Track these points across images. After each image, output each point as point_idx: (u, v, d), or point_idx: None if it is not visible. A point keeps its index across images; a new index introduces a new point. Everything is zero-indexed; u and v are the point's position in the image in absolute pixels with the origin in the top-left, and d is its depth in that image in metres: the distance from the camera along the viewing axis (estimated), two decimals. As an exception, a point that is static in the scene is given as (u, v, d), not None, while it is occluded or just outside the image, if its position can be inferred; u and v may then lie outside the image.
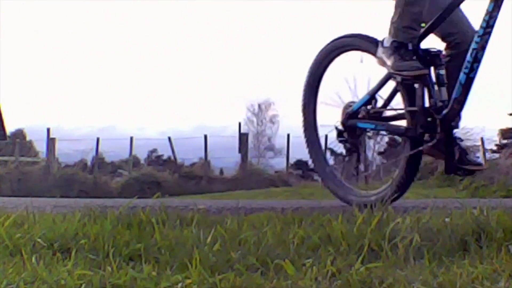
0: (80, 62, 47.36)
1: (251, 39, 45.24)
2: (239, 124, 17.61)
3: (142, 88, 47.99)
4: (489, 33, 2.29)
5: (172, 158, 15.54)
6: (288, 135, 16.57)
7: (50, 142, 13.28)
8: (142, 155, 26.81)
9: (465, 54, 2.33)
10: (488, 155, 14.11)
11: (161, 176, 13.35)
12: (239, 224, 2.04)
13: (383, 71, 2.52)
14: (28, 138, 23.88)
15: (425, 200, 3.04)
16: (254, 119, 35.81)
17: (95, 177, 13.05)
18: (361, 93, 2.65)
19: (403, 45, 2.37)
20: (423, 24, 2.44)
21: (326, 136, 2.87)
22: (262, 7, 46.07)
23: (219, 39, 46.36)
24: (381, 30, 2.50)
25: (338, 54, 2.71)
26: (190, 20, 44.27)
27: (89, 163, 15.89)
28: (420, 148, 2.42)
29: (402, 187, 2.54)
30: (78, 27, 48.73)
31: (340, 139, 2.67)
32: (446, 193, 7.87)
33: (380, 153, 36.51)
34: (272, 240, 1.75)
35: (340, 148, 2.73)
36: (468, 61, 2.31)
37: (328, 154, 3.22)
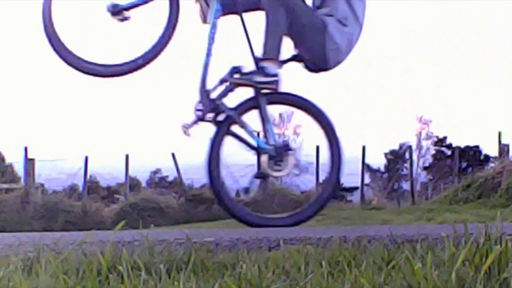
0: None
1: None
2: (257, 134, 16.31)
3: (138, 98, 47.72)
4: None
5: (178, 179, 15.03)
6: (318, 148, 15.85)
7: (29, 163, 12.82)
8: (143, 176, 26.48)
9: None
10: None
11: (164, 201, 12.86)
12: (261, 267, 1.52)
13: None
14: (7, 161, 23.75)
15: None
16: (275, 131, 35.20)
17: (84, 204, 12.60)
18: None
19: None
20: None
21: None
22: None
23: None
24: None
25: None
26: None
27: (80, 189, 15.50)
28: None
29: None
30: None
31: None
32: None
33: (425, 168, 35.62)
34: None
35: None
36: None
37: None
